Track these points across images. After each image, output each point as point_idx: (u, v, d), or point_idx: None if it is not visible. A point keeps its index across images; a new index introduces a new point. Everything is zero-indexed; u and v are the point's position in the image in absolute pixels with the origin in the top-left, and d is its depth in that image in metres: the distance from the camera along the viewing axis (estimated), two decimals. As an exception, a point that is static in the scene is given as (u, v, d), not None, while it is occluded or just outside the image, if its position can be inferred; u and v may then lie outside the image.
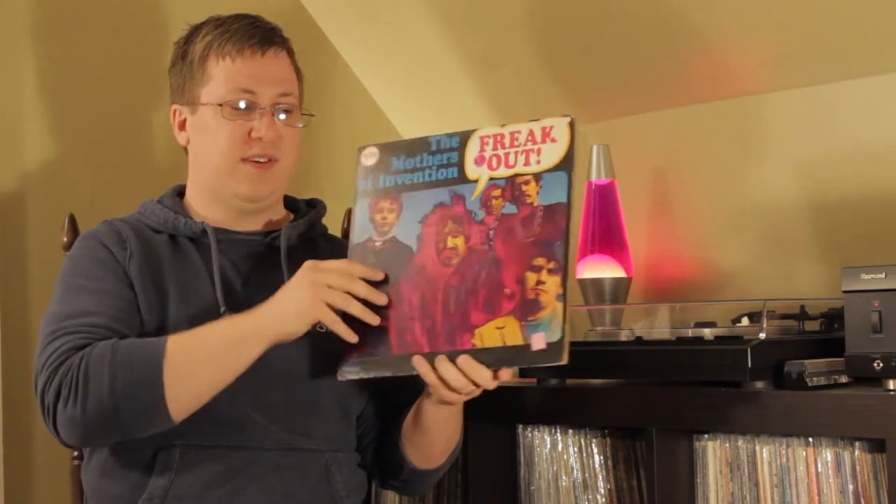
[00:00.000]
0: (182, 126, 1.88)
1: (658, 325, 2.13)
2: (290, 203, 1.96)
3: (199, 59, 1.84)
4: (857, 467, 1.75)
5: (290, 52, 1.88)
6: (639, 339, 2.03)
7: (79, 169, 2.56)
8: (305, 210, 1.94)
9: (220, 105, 1.81)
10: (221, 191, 1.84)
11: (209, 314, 1.74)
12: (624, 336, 2.07)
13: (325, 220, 1.97)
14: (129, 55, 2.63)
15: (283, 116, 1.84)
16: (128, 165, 2.60)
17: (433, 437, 1.82)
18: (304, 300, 1.65)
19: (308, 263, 1.69)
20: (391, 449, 1.86)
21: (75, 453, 2.11)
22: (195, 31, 1.87)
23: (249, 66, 1.82)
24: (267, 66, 1.83)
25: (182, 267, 1.81)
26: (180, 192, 1.92)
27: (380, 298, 1.68)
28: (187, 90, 1.86)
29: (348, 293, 1.67)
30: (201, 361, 1.66)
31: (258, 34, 1.84)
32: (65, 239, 2.12)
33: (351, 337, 1.67)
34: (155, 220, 1.86)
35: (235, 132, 1.81)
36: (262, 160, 1.82)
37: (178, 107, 1.88)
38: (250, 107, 1.81)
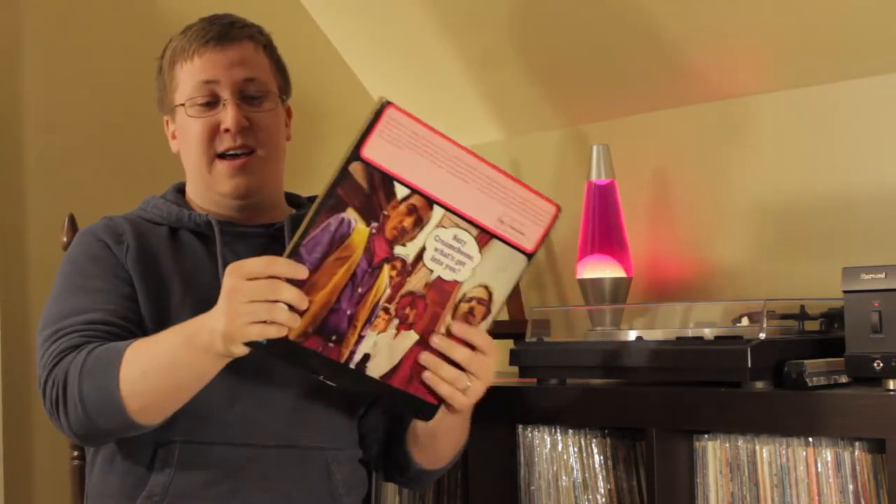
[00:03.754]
0: (173, 135, 1.90)
1: (658, 325, 2.12)
2: (292, 200, 1.96)
3: (167, 66, 1.87)
4: (857, 467, 1.75)
5: (254, 39, 1.87)
6: (639, 339, 2.03)
7: (79, 169, 2.56)
8: (308, 205, 1.95)
9: (184, 104, 1.82)
10: (210, 192, 1.85)
11: (212, 306, 1.74)
12: (624, 336, 2.07)
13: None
14: (128, 55, 2.63)
15: (256, 101, 1.83)
16: (128, 165, 2.60)
17: (441, 442, 1.81)
18: (226, 326, 1.55)
19: (230, 268, 1.55)
20: (398, 449, 1.86)
21: (75, 453, 2.11)
22: (168, 42, 1.89)
23: (207, 60, 1.83)
24: (226, 55, 1.83)
25: (183, 258, 1.82)
26: (181, 190, 1.93)
27: (301, 302, 1.56)
28: (166, 100, 1.88)
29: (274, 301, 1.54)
30: (156, 375, 1.62)
31: (214, 30, 1.84)
32: (65, 238, 2.12)
33: (281, 333, 1.57)
34: (157, 213, 1.86)
35: (203, 128, 1.81)
36: (236, 153, 1.81)
37: (165, 117, 1.90)
38: (214, 99, 1.81)
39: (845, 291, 1.79)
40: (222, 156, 1.82)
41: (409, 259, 1.62)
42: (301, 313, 1.57)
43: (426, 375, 1.62)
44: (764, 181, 2.36)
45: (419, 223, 1.61)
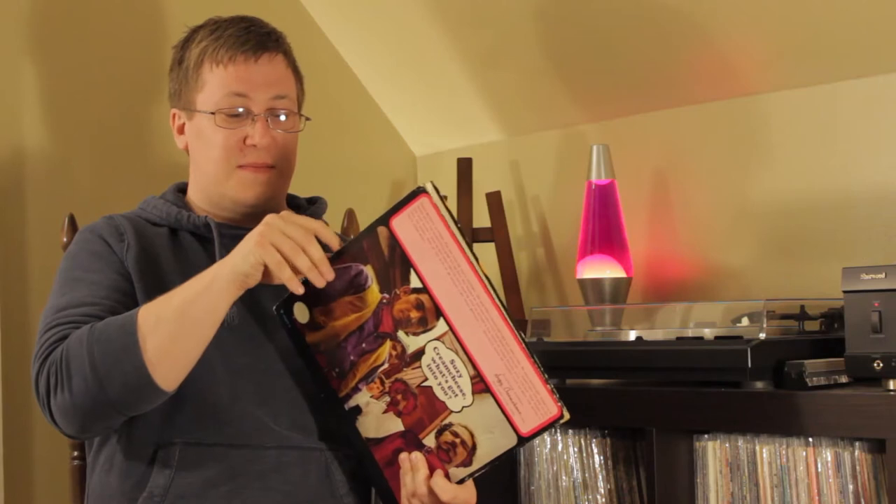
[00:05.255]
0: (181, 130, 1.88)
1: (658, 325, 2.13)
2: (291, 201, 1.96)
3: (194, 64, 1.85)
4: (857, 467, 1.75)
5: (287, 55, 1.88)
6: (639, 339, 2.03)
7: (79, 169, 2.56)
8: (307, 207, 1.95)
9: (214, 113, 1.81)
10: (220, 197, 1.85)
11: None
12: (624, 336, 2.07)
13: (325, 218, 1.97)
14: (128, 55, 2.63)
15: (282, 118, 1.84)
16: (128, 165, 2.60)
17: None
18: (252, 238, 1.64)
19: (272, 215, 1.66)
20: None
21: (75, 453, 2.11)
22: (192, 34, 1.87)
23: (242, 72, 1.82)
24: (260, 70, 1.83)
25: (182, 260, 1.82)
26: (182, 189, 1.93)
27: (327, 272, 1.61)
28: (184, 95, 1.86)
29: (302, 248, 1.62)
30: (172, 319, 1.63)
31: (252, 39, 1.83)
32: (64, 238, 2.12)
33: (296, 286, 1.63)
34: (157, 213, 1.86)
35: (230, 139, 1.81)
36: (257, 165, 1.83)
37: (176, 111, 1.89)
38: (244, 113, 1.81)
39: (845, 291, 1.79)
40: (242, 166, 1.83)
41: (409, 351, 1.64)
42: (315, 324, 1.62)
43: (402, 473, 1.68)
44: (764, 181, 2.36)
45: (423, 324, 1.62)
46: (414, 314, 1.63)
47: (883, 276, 1.75)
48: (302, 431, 1.78)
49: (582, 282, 2.39)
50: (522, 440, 1.61)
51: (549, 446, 2.10)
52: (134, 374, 1.62)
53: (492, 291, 1.60)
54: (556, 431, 2.09)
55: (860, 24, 2.15)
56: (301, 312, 1.69)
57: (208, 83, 1.83)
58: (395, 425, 1.67)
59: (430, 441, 1.65)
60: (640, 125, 2.57)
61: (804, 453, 1.80)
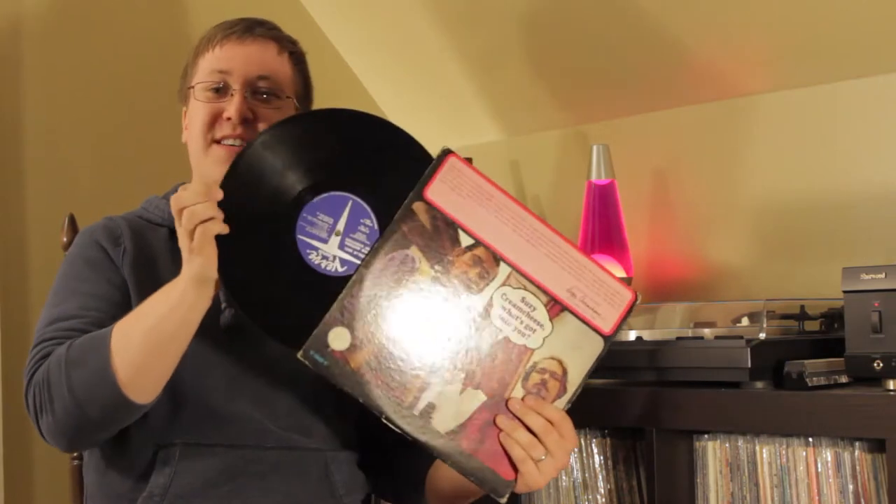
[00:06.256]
0: (187, 126, 1.89)
1: (658, 325, 2.13)
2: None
3: (192, 56, 1.87)
4: (857, 467, 1.75)
5: (282, 47, 1.87)
6: (639, 339, 2.03)
7: (79, 169, 2.56)
8: None
9: (194, 87, 1.82)
10: (202, 175, 1.84)
11: (210, 310, 1.74)
12: (624, 336, 2.07)
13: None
14: (129, 55, 2.63)
15: (264, 97, 1.82)
16: (128, 165, 2.60)
17: (472, 496, 1.79)
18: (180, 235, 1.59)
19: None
20: (406, 485, 1.84)
21: (75, 453, 2.11)
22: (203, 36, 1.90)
23: (228, 51, 1.83)
24: (245, 50, 1.83)
25: (180, 261, 1.81)
26: (184, 189, 1.93)
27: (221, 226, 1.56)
28: (183, 87, 1.88)
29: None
30: (143, 341, 1.61)
31: (242, 24, 1.85)
32: (65, 239, 2.12)
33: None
34: (158, 213, 1.86)
35: (207, 113, 1.81)
36: (233, 143, 1.81)
37: (184, 108, 1.90)
38: (224, 88, 1.82)
39: (845, 291, 1.79)
40: (219, 142, 1.82)
41: (476, 312, 1.58)
42: (359, 342, 1.56)
43: (501, 437, 1.58)
44: (764, 181, 2.37)
45: (484, 276, 1.58)
46: (473, 272, 1.58)
47: (883, 276, 1.75)
48: (301, 432, 1.78)
49: (582, 282, 2.39)
50: (608, 339, 1.59)
51: (549, 446, 2.10)
52: (110, 396, 1.62)
53: (544, 221, 1.60)
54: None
55: (859, 24, 2.15)
56: (338, 339, 1.58)
57: (200, 68, 1.84)
58: (476, 400, 1.58)
59: (517, 393, 1.58)
60: (640, 125, 2.57)
61: (804, 453, 1.80)
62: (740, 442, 1.86)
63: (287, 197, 1.61)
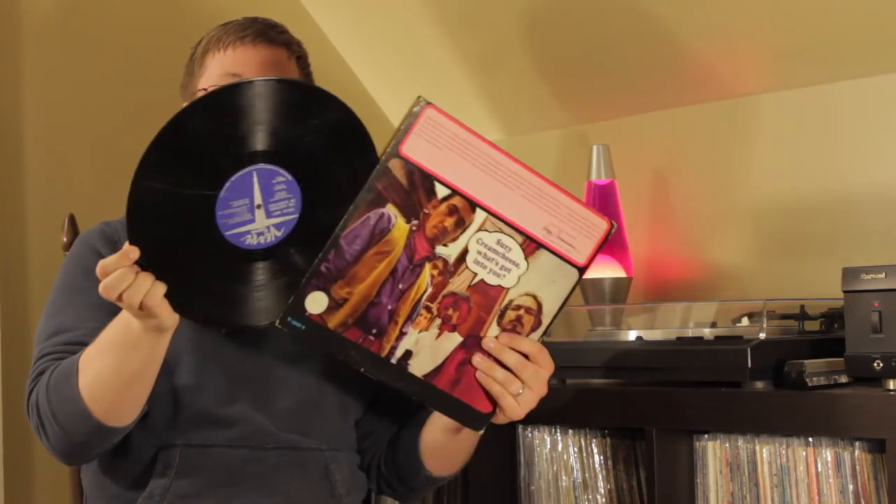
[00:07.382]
0: None
1: (658, 325, 2.13)
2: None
3: (199, 54, 1.86)
4: (857, 467, 1.75)
5: (292, 52, 1.88)
6: (639, 339, 2.03)
7: (79, 169, 2.56)
8: None
9: (205, 89, 1.82)
10: None
11: None
12: (624, 336, 2.07)
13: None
14: (129, 55, 2.63)
15: None
16: (128, 165, 2.59)
17: (464, 444, 1.80)
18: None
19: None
20: (407, 455, 1.85)
21: (76, 456, 2.11)
22: (206, 34, 1.89)
23: (240, 55, 1.83)
24: (259, 54, 1.83)
25: None
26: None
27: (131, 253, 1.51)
28: (189, 86, 1.87)
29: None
30: (106, 369, 1.61)
31: (255, 27, 1.84)
32: (65, 239, 2.12)
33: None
34: None
35: None
36: None
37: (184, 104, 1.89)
38: None
39: (845, 291, 1.79)
40: None
41: (451, 259, 1.60)
42: (336, 303, 1.57)
43: (478, 375, 1.61)
44: (764, 181, 2.37)
45: (461, 224, 1.59)
46: (448, 221, 1.59)
47: (883, 276, 1.75)
48: (301, 433, 1.78)
49: (582, 282, 2.38)
50: (582, 269, 1.62)
51: (548, 446, 2.10)
52: (88, 425, 1.63)
53: (518, 160, 1.60)
54: (555, 431, 2.09)
55: (859, 24, 2.15)
56: (316, 302, 1.60)
57: (208, 68, 1.84)
58: (453, 341, 1.62)
59: (493, 331, 1.61)
60: (640, 125, 2.57)
61: (804, 453, 1.80)
62: (740, 442, 1.86)
63: (196, 210, 1.55)
